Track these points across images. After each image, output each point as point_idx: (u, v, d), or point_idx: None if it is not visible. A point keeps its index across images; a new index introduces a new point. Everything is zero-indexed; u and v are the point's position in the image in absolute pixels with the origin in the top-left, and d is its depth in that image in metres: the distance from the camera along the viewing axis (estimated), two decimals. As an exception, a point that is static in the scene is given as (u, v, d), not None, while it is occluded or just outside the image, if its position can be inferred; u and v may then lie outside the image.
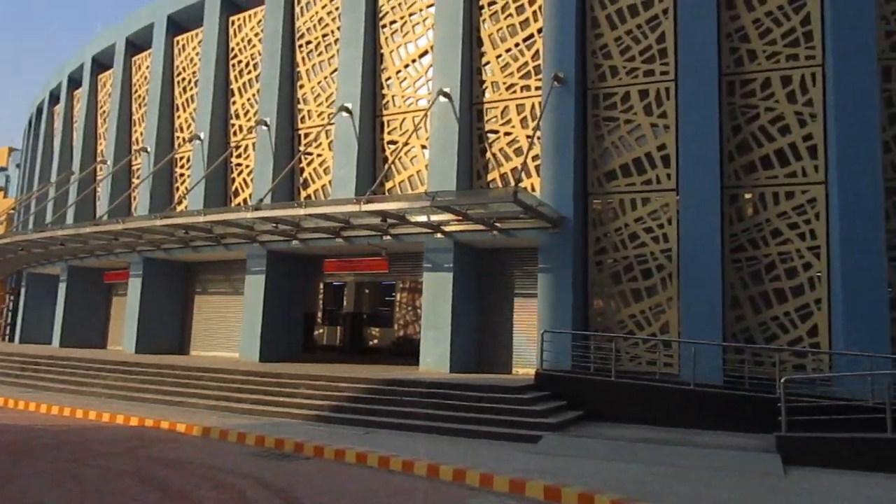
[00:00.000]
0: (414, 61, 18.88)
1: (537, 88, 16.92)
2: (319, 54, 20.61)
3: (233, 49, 22.98)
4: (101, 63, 28.89)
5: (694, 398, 12.69)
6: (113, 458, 9.72)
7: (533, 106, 17.03)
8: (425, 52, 18.64)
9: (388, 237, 17.63)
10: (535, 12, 17.18)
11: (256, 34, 22.28)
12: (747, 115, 15.24)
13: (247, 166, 22.13)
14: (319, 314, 24.03)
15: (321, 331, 24.14)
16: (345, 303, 25.86)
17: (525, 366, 16.71)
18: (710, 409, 12.53)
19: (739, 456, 9.92)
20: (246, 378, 15.43)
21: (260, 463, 9.58)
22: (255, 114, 21.80)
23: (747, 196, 15.17)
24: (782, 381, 10.30)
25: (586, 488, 7.84)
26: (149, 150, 24.31)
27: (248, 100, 22.31)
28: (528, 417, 11.83)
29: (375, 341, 25.45)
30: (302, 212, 15.99)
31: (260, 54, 21.86)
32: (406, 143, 18.39)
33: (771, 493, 8.01)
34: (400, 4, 19.21)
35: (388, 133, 19.12)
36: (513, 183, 16.16)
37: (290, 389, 14.38)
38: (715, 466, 9.30)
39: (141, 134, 25.70)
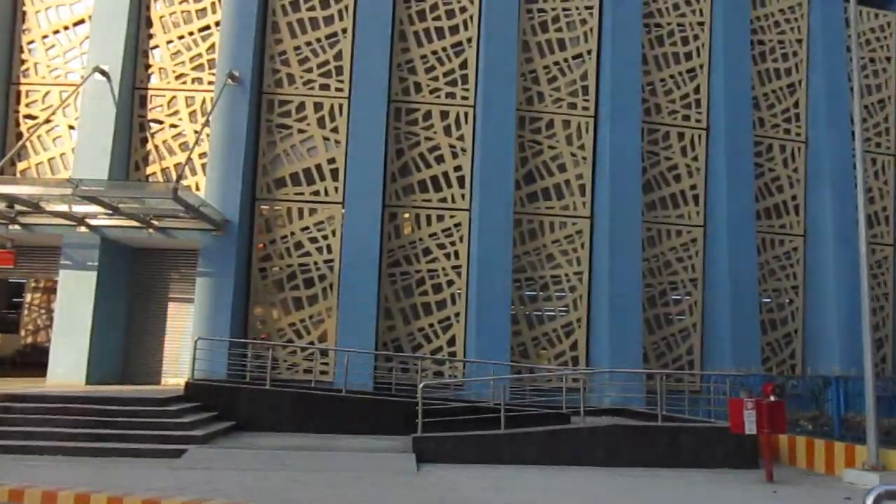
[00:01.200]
0: (67, 28, 16.54)
1: (210, 83, 16.13)
2: (-63, -2, 16.88)
3: None
4: None
5: (346, 404, 13.17)
6: None
7: (204, 100, 16.17)
8: (81, 21, 16.47)
9: (17, 227, 15.10)
10: (213, 3, 16.38)
11: None
12: (410, 141, 16.53)
13: None
14: (-86, 316, 19.63)
15: (-85, 337, 19.75)
16: (-47, 302, 21.54)
17: (177, 376, 15.65)
18: (360, 415, 13.11)
19: (381, 457, 10.56)
20: None
21: None
22: None
23: (405, 216, 16.41)
24: (420, 386, 11.28)
25: (227, 500, 7.57)
26: None
27: None
28: (172, 431, 11.04)
29: (-6, 349, 21.61)
30: None
31: None
32: (49, 121, 15.98)
33: (404, 487, 8.67)
34: (53, -39, 16.74)
35: (27, 105, 16.39)
36: (175, 179, 15.11)
37: None
38: (358, 468, 9.76)
39: None
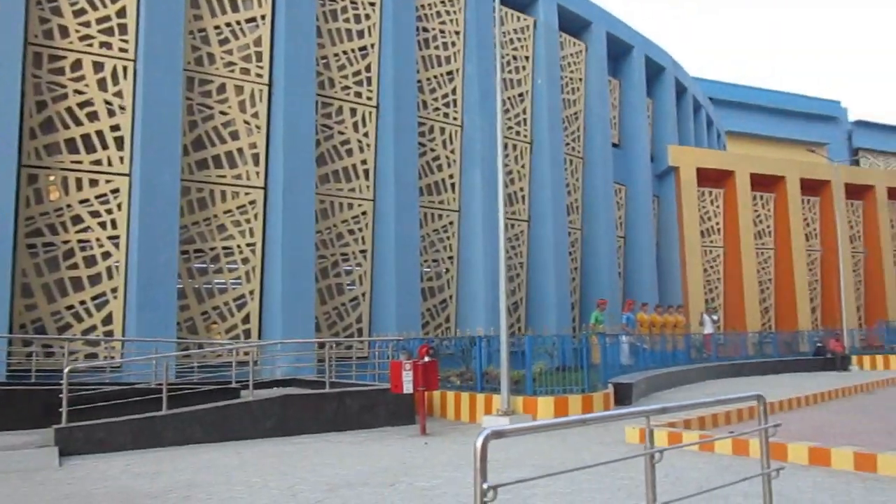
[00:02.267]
0: None
1: None
2: None
3: None
4: None
5: (-32, 400, 11.13)
6: None
7: None
8: None
9: None
10: None
11: None
12: (55, 92, 14.40)
13: None
14: None
15: None
16: None
17: None
18: (-13, 410, 11.19)
19: (14, 455, 9.12)
20: None
21: None
22: None
23: (50, 178, 14.30)
24: (66, 370, 10.02)
25: None
26: None
27: None
28: None
29: None
30: None
31: None
32: None
33: (41, 486, 7.65)
34: None
35: None
36: None
37: None
38: (-19, 473, 8.34)
39: None
